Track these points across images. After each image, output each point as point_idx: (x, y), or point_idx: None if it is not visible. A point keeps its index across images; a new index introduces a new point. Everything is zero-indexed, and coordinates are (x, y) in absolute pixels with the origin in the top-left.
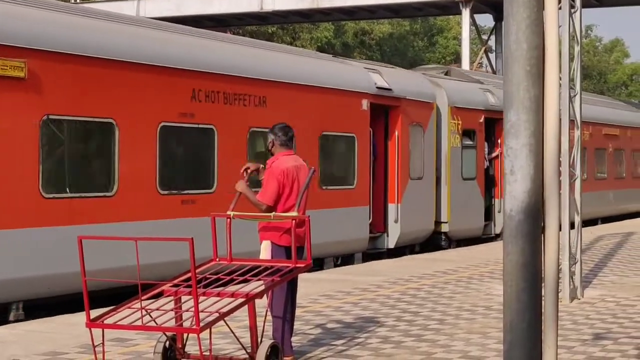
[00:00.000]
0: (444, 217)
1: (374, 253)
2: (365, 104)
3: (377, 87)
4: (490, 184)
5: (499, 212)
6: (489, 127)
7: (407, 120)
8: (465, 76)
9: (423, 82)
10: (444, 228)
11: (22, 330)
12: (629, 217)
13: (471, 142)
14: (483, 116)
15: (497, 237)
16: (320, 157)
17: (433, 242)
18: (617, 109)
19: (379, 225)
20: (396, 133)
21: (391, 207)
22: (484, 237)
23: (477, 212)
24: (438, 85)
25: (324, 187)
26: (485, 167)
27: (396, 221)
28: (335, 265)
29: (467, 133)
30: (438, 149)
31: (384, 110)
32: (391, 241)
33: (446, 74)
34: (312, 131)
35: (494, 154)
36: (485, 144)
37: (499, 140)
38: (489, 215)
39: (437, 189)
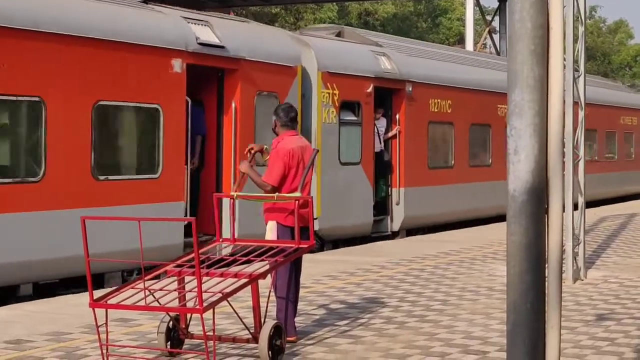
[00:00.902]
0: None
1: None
2: (177, 65)
3: (201, 43)
4: (384, 170)
5: (398, 204)
6: (383, 99)
7: (251, 87)
8: (359, 37)
9: (280, 39)
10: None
11: (26, 311)
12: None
13: (354, 118)
14: (372, 85)
15: (396, 235)
16: (94, 135)
17: None
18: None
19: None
20: (233, 105)
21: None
22: (375, 236)
23: (363, 205)
24: (305, 44)
25: (101, 178)
26: (379, 149)
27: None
28: None
29: (349, 106)
30: (304, 126)
31: (217, 74)
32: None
33: (338, 35)
34: (79, 100)
35: (390, 133)
36: (383, 120)
37: (398, 116)
38: (384, 208)
39: None
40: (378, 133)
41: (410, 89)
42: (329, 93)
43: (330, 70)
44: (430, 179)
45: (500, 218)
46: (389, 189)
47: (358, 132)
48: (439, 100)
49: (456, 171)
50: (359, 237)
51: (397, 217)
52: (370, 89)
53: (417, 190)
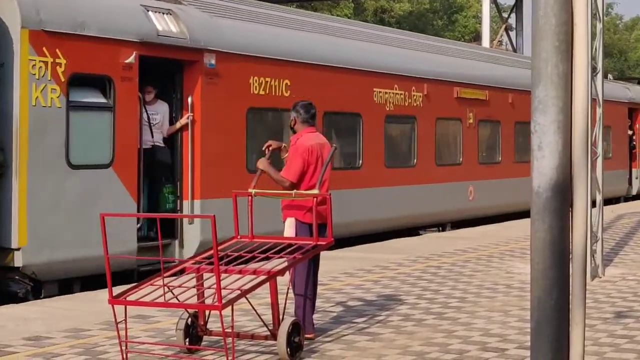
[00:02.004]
0: (11, 240)
1: None
2: None
3: None
4: (166, 174)
5: (191, 223)
6: (166, 75)
7: None
8: None
9: None
10: (15, 260)
11: (45, 307)
12: None
13: (100, 100)
14: (135, 53)
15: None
16: None
17: None
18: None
19: None
20: None
21: None
22: (143, 270)
23: (119, 227)
24: None
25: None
26: (151, 145)
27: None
28: None
29: (89, 82)
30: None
31: None
32: None
33: None
34: None
35: (178, 124)
36: (160, 105)
37: (190, 99)
38: (172, 229)
39: None
40: (149, 122)
41: (214, 61)
42: (45, 62)
43: (48, 27)
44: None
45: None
46: (178, 200)
47: (108, 120)
48: (267, 80)
49: None
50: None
51: (191, 242)
52: (131, 59)
53: (224, 203)
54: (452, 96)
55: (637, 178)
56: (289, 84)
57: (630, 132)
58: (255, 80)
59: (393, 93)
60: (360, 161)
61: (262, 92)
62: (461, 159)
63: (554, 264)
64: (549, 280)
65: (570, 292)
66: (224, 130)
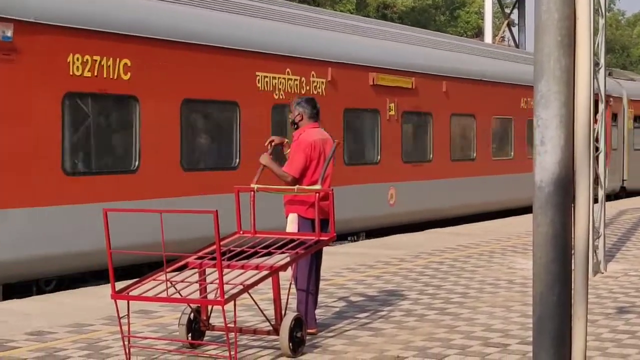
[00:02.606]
0: None
1: None
2: None
3: None
4: None
5: None
6: None
7: None
8: None
9: None
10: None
11: (47, 303)
12: None
13: None
14: None
15: None
16: None
17: None
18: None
19: None
20: None
21: None
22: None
23: None
24: None
25: None
26: None
27: None
28: None
29: None
30: None
31: None
32: None
33: None
34: None
35: None
36: None
37: None
38: None
39: None
40: None
41: (10, 33)
42: None
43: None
44: (64, 195)
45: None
46: None
47: None
48: (96, 58)
49: (151, 180)
50: None
51: None
52: None
53: (28, 215)
54: (366, 83)
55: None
56: (129, 64)
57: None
58: (77, 59)
59: (284, 78)
60: (238, 160)
61: (87, 74)
62: (379, 157)
63: (556, 258)
64: (551, 275)
65: (573, 287)
66: (26, 122)
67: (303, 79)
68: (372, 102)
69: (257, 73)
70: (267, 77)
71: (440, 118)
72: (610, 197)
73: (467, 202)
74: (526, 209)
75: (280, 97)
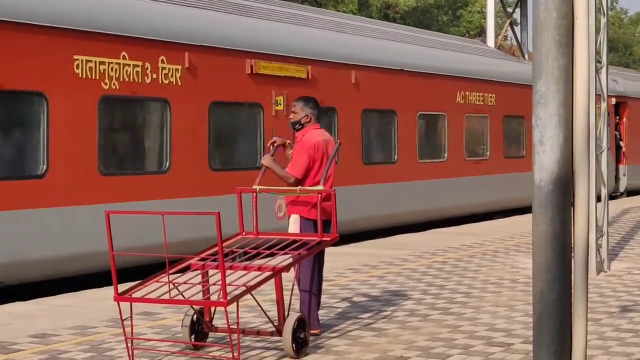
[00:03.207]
0: None
1: None
2: None
3: None
4: None
5: None
6: None
7: None
8: None
9: None
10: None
11: (50, 305)
12: None
13: None
14: None
15: None
16: None
17: None
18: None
19: None
20: None
21: None
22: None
23: None
24: None
25: None
26: None
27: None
28: None
29: None
30: None
31: None
32: None
33: None
34: None
35: None
36: None
37: None
38: None
39: None
40: None
41: None
42: None
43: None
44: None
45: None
46: None
47: None
48: None
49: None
50: None
51: None
52: None
53: None
54: (243, 71)
55: (624, 175)
56: None
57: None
58: None
59: (118, 64)
60: (45, 167)
61: None
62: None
63: (556, 257)
64: (551, 274)
65: (573, 285)
66: None
67: (148, 64)
68: (250, 95)
69: (76, 57)
70: (91, 62)
71: (348, 114)
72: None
73: (386, 213)
74: (464, 219)
75: (114, 87)
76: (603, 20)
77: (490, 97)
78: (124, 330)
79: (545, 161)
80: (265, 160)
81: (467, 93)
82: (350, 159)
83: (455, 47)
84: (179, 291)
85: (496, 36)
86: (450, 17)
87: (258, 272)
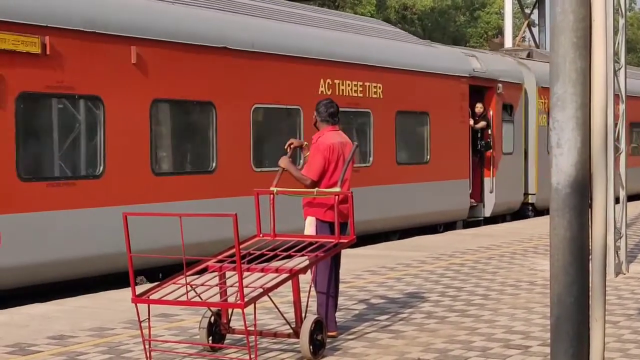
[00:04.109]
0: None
1: None
2: None
3: None
4: None
5: None
6: None
7: None
8: None
9: None
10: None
11: (68, 306)
12: None
13: None
14: None
15: None
16: None
17: None
18: None
19: None
20: None
21: None
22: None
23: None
24: None
25: None
26: None
27: None
28: None
29: None
30: None
31: None
32: None
33: None
34: None
35: None
36: None
37: None
38: None
39: None
40: None
41: None
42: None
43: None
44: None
45: None
46: None
47: None
48: None
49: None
50: None
51: None
52: None
53: None
54: None
55: (491, 192)
56: None
57: (472, 122)
58: None
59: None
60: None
61: None
62: None
63: (574, 260)
64: (568, 277)
65: (590, 288)
66: None
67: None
68: None
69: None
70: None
71: (122, 106)
72: (505, 217)
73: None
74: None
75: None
76: (621, 21)
77: (376, 87)
78: (141, 331)
79: (562, 164)
80: (283, 162)
81: (336, 81)
82: (128, 170)
83: (327, 22)
84: (197, 293)
85: (514, 37)
86: (468, 18)
87: (275, 274)
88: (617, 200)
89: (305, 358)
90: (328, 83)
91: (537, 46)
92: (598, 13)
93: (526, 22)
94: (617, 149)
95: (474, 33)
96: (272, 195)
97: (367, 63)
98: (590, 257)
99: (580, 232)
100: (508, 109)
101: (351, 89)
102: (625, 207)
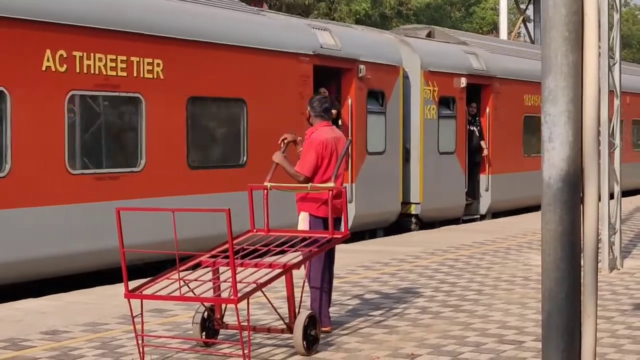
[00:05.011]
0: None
1: None
2: None
3: None
4: None
5: None
6: None
7: None
8: None
9: None
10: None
11: (62, 302)
12: None
13: None
14: None
15: None
16: None
17: None
18: None
19: None
20: None
21: None
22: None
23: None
24: None
25: None
26: None
27: None
28: None
29: None
30: None
31: None
32: None
33: None
34: None
35: None
36: None
37: None
38: None
39: None
40: None
41: None
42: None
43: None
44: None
45: None
46: None
47: None
48: None
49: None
50: None
51: None
52: None
53: None
54: None
55: (350, 201)
56: None
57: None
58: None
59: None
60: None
61: None
62: None
63: (565, 256)
64: (560, 272)
65: (582, 283)
66: None
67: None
68: None
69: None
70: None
71: None
72: (375, 232)
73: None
74: None
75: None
76: (616, 16)
77: (151, 64)
78: (134, 327)
79: (554, 158)
80: (276, 157)
81: (76, 54)
82: None
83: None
84: (190, 288)
85: (509, 33)
86: (463, 14)
87: (269, 269)
88: (611, 196)
89: (298, 353)
90: (60, 56)
91: (532, 42)
92: (590, 7)
93: (521, 18)
94: (611, 144)
95: (469, 28)
96: (265, 190)
97: (136, 30)
98: (582, 252)
99: (572, 227)
100: (378, 97)
101: (105, 66)
102: (620, 202)
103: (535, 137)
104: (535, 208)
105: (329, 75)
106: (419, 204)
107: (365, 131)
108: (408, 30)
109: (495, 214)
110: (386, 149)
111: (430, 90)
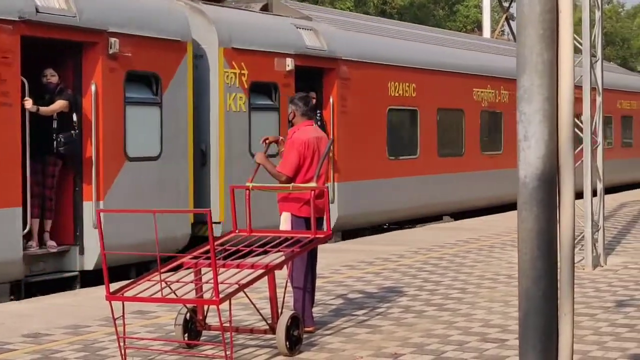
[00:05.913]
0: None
1: None
2: None
3: None
4: None
5: None
6: None
7: None
8: None
9: None
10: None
11: (43, 304)
12: None
13: None
14: None
15: None
16: None
17: None
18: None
19: None
20: None
21: None
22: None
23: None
24: None
25: None
26: None
27: None
28: None
29: None
30: None
31: None
32: None
33: None
34: None
35: None
36: None
37: None
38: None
39: None
40: None
41: None
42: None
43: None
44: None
45: None
46: None
47: None
48: None
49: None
50: None
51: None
52: None
53: None
54: None
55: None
56: None
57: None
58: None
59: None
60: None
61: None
62: None
63: (541, 254)
64: (536, 271)
65: (559, 282)
66: None
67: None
68: None
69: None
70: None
71: None
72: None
73: None
74: None
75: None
76: (597, 13)
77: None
78: (116, 329)
79: (529, 157)
80: (259, 157)
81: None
82: None
83: None
84: (172, 290)
85: (492, 31)
86: (447, 12)
87: (251, 270)
88: (594, 193)
89: (281, 354)
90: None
91: (515, 40)
92: (565, 4)
93: (504, 16)
94: (594, 142)
95: (453, 27)
96: (247, 191)
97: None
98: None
99: (548, 226)
100: (148, 82)
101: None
102: (603, 199)
103: (408, 136)
104: (409, 222)
105: (58, 53)
106: (219, 223)
107: (122, 129)
108: (241, 3)
109: (346, 232)
110: (162, 152)
111: (235, 73)
